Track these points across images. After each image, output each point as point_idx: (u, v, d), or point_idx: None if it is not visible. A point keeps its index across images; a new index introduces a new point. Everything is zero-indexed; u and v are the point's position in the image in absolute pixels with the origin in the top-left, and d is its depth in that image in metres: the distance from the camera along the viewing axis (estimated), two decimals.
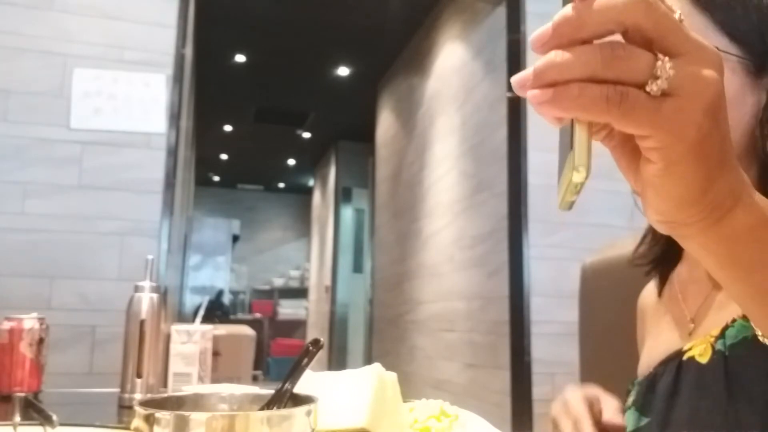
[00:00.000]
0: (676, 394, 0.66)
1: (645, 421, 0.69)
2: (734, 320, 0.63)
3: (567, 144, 0.37)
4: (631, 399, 0.74)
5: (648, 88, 0.34)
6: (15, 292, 2.24)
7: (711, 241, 0.40)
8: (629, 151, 0.40)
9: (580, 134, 0.35)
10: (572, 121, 0.36)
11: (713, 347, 0.63)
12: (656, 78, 0.34)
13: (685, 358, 0.67)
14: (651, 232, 0.79)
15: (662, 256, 0.78)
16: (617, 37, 0.36)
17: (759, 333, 0.47)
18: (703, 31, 0.65)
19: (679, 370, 0.67)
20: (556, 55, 0.35)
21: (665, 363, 0.70)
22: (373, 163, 6.14)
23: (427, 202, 4.42)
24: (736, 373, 0.60)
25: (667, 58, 0.35)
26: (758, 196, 0.41)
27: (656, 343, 0.76)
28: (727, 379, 0.61)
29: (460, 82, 3.92)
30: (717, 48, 0.63)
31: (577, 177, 0.35)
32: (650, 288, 0.84)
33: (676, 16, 0.36)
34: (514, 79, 0.38)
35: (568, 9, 0.35)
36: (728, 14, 0.66)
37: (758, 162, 0.65)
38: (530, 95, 0.35)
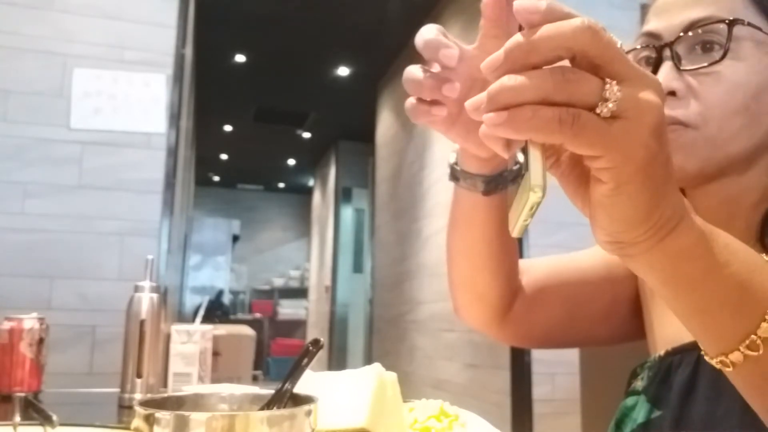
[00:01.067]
0: (693, 391, 0.64)
1: (657, 414, 0.67)
2: None
3: (515, 170, 0.39)
4: (640, 384, 0.72)
5: (598, 110, 0.36)
6: (15, 292, 2.24)
7: (656, 259, 0.41)
8: (575, 177, 0.41)
9: (534, 156, 0.36)
10: (526, 143, 0.37)
11: None
12: (606, 100, 0.36)
13: (703, 351, 0.65)
14: None
15: None
16: (566, 63, 0.37)
17: (703, 352, 0.47)
18: (741, 11, 0.63)
19: (697, 365, 0.65)
20: (509, 79, 0.36)
21: (681, 352, 0.67)
22: (373, 163, 6.14)
23: (427, 202, 4.42)
24: None
25: (614, 82, 0.36)
26: (696, 217, 0.43)
27: (668, 321, 0.72)
28: None
29: None
30: (754, 27, 0.63)
31: (534, 197, 0.36)
32: None
33: (618, 45, 0.38)
34: (469, 103, 0.39)
35: (519, 36, 0.36)
36: None
37: None
38: (485, 118, 0.36)
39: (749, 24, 0.62)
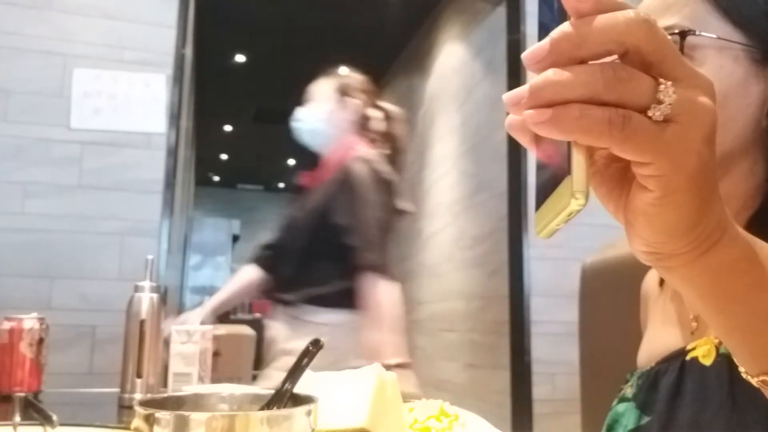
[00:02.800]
0: (679, 395, 0.65)
1: (646, 420, 0.68)
2: None
3: (547, 167, 0.36)
4: (630, 391, 0.73)
5: (650, 113, 0.33)
6: (15, 292, 2.24)
7: (696, 273, 0.39)
8: (610, 176, 0.39)
9: (577, 158, 0.33)
10: (569, 144, 0.34)
11: (717, 349, 0.62)
12: (660, 102, 0.33)
13: (688, 357, 0.66)
14: None
15: None
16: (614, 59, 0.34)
17: (742, 369, 0.46)
18: (706, 18, 0.62)
19: (682, 370, 0.65)
20: (555, 74, 0.33)
21: (667, 360, 0.68)
22: None
23: (427, 202, 4.42)
24: (741, 378, 0.60)
25: (670, 83, 0.33)
26: (740, 228, 0.40)
27: (657, 336, 0.74)
28: (732, 383, 0.60)
29: (460, 82, 3.91)
30: (719, 37, 0.62)
31: (576, 204, 0.33)
32: (653, 273, 0.83)
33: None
34: (507, 96, 0.36)
35: (567, 26, 0.33)
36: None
37: (765, 156, 0.63)
38: (527, 115, 0.34)
39: (701, 34, 0.61)
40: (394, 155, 1.95)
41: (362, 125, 1.92)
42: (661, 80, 0.33)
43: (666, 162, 0.34)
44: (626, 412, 0.71)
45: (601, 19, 0.33)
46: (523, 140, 0.37)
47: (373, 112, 1.95)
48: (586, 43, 0.33)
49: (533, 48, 0.34)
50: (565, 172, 0.34)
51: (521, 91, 0.34)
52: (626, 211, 0.38)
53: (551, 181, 0.35)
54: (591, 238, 2.80)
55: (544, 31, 0.35)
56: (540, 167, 0.37)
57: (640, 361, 0.76)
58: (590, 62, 0.34)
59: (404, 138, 2.01)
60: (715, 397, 0.61)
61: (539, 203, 0.37)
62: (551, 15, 0.36)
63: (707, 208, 0.36)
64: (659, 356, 0.71)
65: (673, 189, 0.35)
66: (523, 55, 0.35)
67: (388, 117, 1.97)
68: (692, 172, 0.34)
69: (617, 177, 0.38)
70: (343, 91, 1.92)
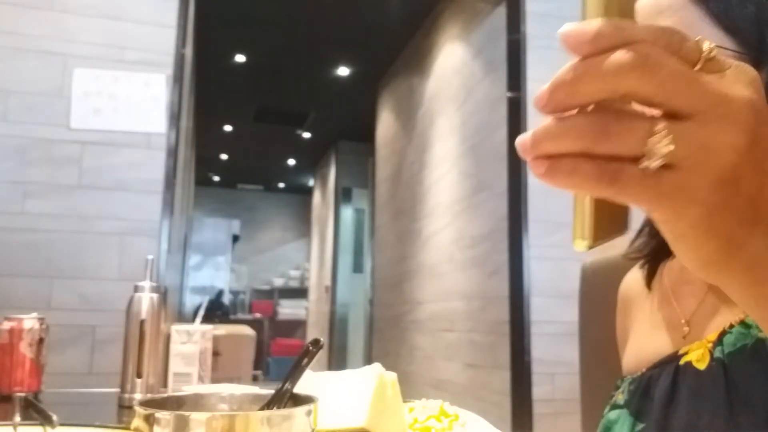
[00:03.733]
0: (674, 401, 0.65)
1: (640, 426, 0.68)
2: (731, 326, 0.62)
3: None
4: (621, 398, 0.72)
5: (643, 166, 0.31)
6: (15, 292, 2.24)
7: (753, 301, 0.37)
8: None
9: (578, 207, 0.33)
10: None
11: (711, 354, 0.63)
12: (653, 155, 0.31)
13: (681, 362, 0.66)
14: (648, 224, 0.76)
15: (659, 249, 0.76)
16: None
17: None
18: (698, 24, 0.62)
19: (676, 375, 0.65)
20: (550, 126, 0.32)
21: (660, 366, 0.68)
22: (373, 163, 6.14)
23: (427, 202, 4.42)
24: (737, 381, 0.59)
25: (665, 132, 0.31)
26: None
27: (646, 341, 0.74)
28: (728, 387, 0.60)
29: (460, 82, 3.91)
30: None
31: (578, 246, 0.33)
32: (633, 276, 0.82)
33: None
34: (518, 142, 0.34)
35: (566, 71, 0.32)
36: (724, 5, 0.63)
37: None
38: (529, 164, 0.33)
39: None
40: None
41: None
42: (658, 127, 0.31)
43: (665, 211, 0.33)
44: (619, 420, 0.71)
45: (593, 66, 0.31)
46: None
47: None
48: (577, 93, 0.32)
49: (539, 92, 0.33)
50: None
51: (528, 137, 0.34)
52: None
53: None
54: None
55: None
56: None
57: (628, 366, 0.76)
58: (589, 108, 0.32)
59: None
60: (711, 401, 0.61)
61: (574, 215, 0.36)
62: None
63: (741, 240, 0.34)
64: (650, 362, 0.70)
65: (680, 233, 0.33)
66: (533, 98, 0.34)
67: None
68: (696, 219, 0.32)
69: None
70: None
